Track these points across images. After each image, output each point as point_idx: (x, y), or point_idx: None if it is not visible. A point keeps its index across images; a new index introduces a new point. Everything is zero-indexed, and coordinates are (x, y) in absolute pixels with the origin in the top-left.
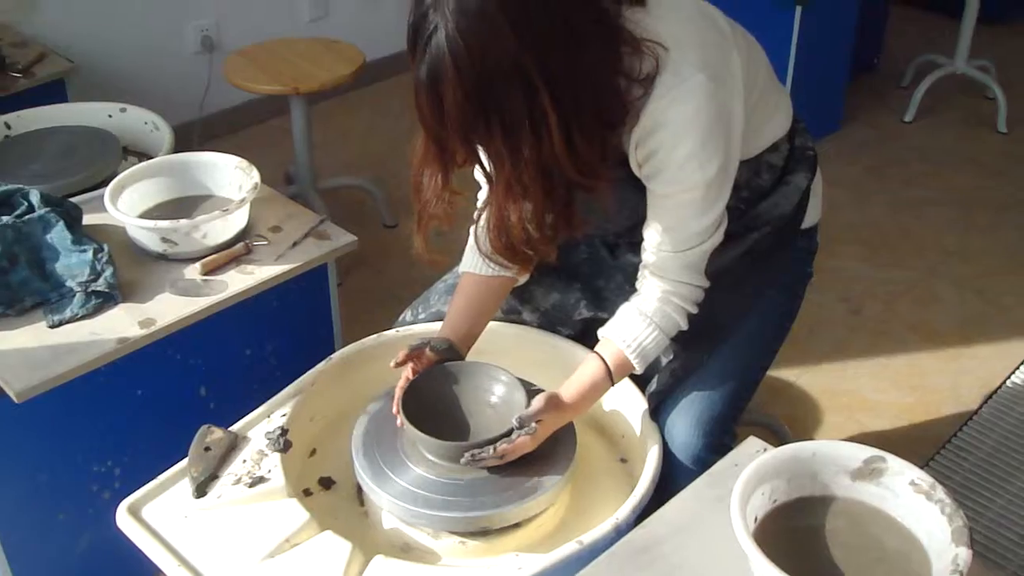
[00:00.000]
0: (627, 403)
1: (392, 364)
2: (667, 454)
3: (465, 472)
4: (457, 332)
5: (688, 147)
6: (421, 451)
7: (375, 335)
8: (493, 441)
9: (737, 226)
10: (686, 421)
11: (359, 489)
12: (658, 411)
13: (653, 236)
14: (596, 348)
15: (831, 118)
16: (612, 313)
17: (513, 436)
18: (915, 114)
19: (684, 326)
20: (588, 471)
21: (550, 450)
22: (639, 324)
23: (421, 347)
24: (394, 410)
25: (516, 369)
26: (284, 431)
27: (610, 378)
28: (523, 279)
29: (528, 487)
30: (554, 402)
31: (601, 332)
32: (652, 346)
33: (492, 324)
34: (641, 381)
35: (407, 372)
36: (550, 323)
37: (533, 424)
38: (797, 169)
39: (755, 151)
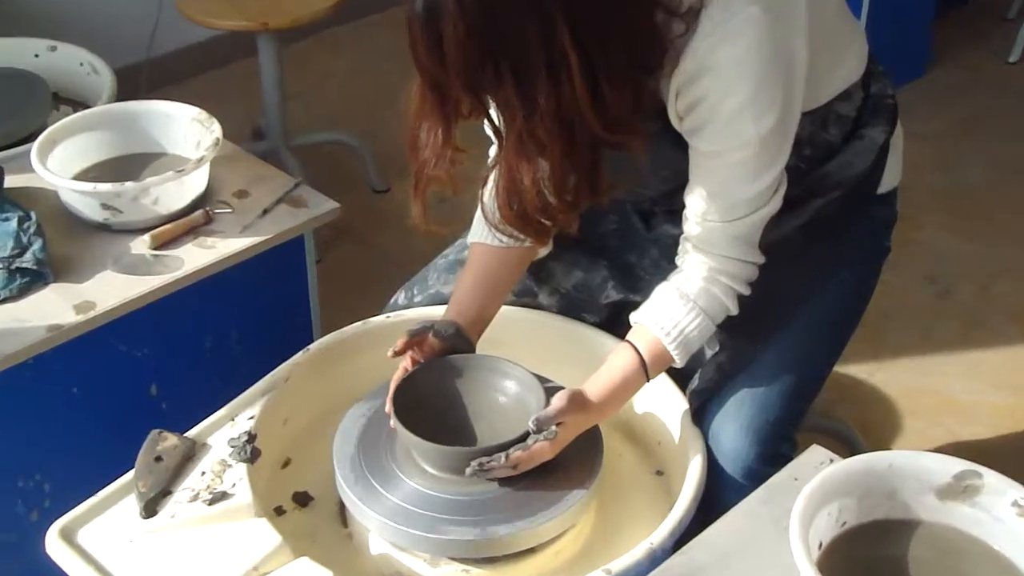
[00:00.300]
0: (665, 403)
1: (389, 353)
2: (712, 465)
3: (470, 486)
4: (465, 315)
5: (739, 96)
6: (417, 460)
7: (361, 322)
8: (505, 447)
9: (799, 190)
10: (735, 426)
11: (342, 507)
12: (702, 413)
13: (697, 203)
14: (628, 337)
15: (915, 60)
16: (646, 295)
17: (529, 442)
18: (1021, 53)
19: (733, 310)
20: (618, 485)
21: (572, 460)
22: (679, 308)
23: (423, 332)
24: (387, 409)
25: (531, 363)
26: (251, 437)
27: (644, 372)
28: (543, 251)
29: (545, 504)
30: (577, 401)
31: (633, 317)
32: (695, 334)
33: (502, 309)
34: (682, 377)
35: (405, 362)
36: (572, 307)
37: (553, 427)
38: (873, 121)
39: (822, 100)
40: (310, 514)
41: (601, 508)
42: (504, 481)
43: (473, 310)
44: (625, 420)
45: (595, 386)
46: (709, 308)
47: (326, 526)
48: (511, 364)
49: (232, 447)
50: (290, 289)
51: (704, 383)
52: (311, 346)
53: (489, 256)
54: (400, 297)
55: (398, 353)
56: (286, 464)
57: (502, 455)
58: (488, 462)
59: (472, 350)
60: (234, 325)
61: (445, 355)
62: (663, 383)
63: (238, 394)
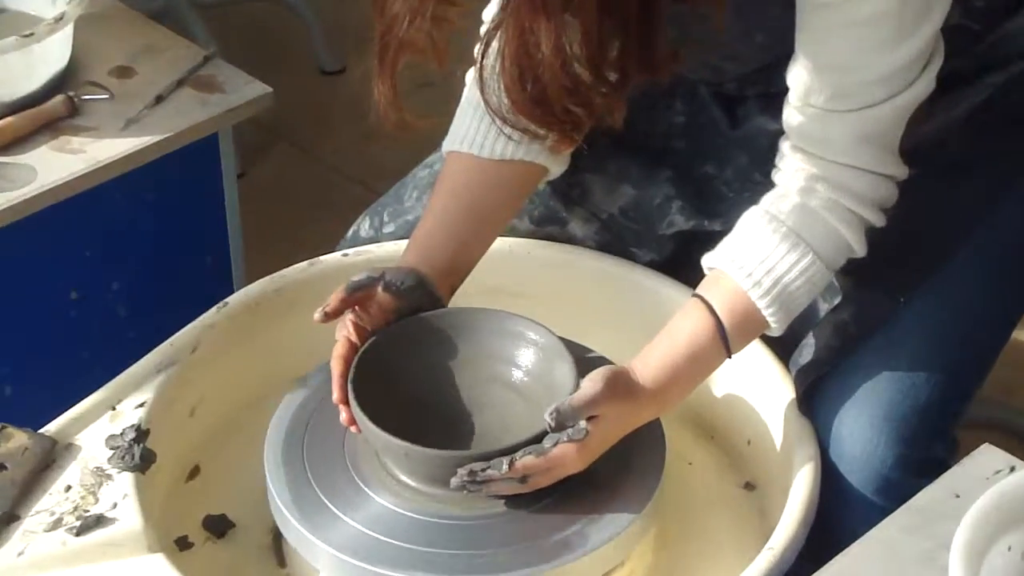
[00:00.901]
0: (757, 383)
1: (317, 315)
2: (829, 475)
3: (467, 505)
4: (432, 259)
5: None
6: (389, 467)
7: (305, 262)
8: (510, 450)
9: (965, 64)
10: (865, 417)
11: (277, 537)
12: (814, 398)
13: (805, 82)
14: (699, 289)
15: None
16: (730, 224)
17: (545, 444)
18: None
19: (859, 250)
20: (687, 505)
21: (616, 469)
22: (773, 243)
23: (368, 285)
24: (335, 397)
25: (558, 322)
26: (141, 434)
27: (723, 343)
28: (559, 168)
29: (575, 534)
30: (621, 385)
31: (708, 260)
32: (799, 284)
33: (514, 243)
34: (782, 345)
35: (346, 330)
36: (618, 241)
37: (582, 424)
38: None
39: None
40: (229, 548)
41: (663, 540)
42: (513, 501)
43: (445, 253)
44: (697, 410)
45: (649, 363)
46: (821, 244)
47: (253, 565)
48: (528, 323)
49: (113, 449)
50: (198, 216)
51: (817, 353)
52: (230, 299)
53: (475, 173)
54: (363, 226)
55: (330, 315)
56: (193, 474)
57: (504, 461)
58: (483, 471)
59: (441, 304)
60: (114, 270)
61: (402, 316)
62: (754, 352)
63: (120, 370)
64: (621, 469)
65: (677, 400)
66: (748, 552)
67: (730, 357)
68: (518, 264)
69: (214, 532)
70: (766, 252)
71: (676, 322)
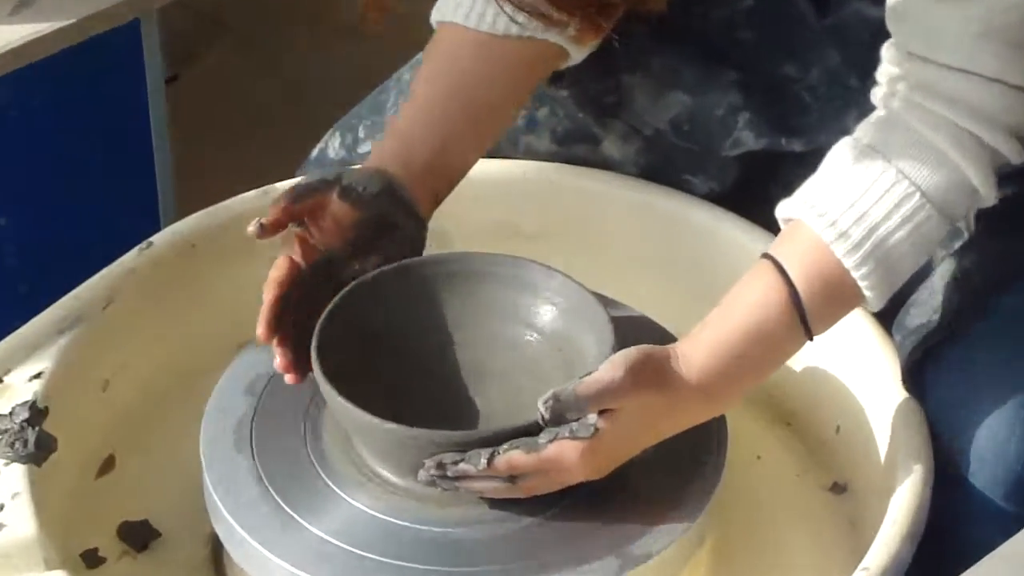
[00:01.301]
0: (848, 353)
1: (251, 229)
2: (946, 475)
3: (463, 510)
4: (411, 155)
5: None
6: (365, 459)
7: (256, 191)
8: (494, 439)
9: None
10: (994, 401)
11: (217, 550)
12: (925, 374)
13: None
14: (772, 247)
15: None
16: (815, 144)
17: (541, 439)
18: None
19: (985, 191)
20: (754, 511)
21: (661, 463)
22: (867, 182)
23: (320, 189)
24: (259, 332)
25: (586, 272)
26: (36, 414)
27: (800, 320)
28: (580, 55)
29: (606, 549)
30: (651, 372)
31: (783, 209)
32: (903, 236)
33: (528, 167)
34: (885, 309)
35: (288, 249)
36: (667, 164)
37: (592, 418)
38: None
39: None
40: (152, 564)
41: (721, 558)
42: (524, 504)
43: (426, 148)
44: (768, 388)
45: (698, 346)
46: (929, 180)
47: None
48: (549, 272)
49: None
50: (113, 129)
51: (930, 314)
52: (155, 238)
53: (471, 49)
54: (332, 144)
55: (270, 229)
56: (107, 467)
57: (482, 454)
58: (455, 463)
59: (419, 228)
60: (2, 200)
61: (365, 231)
62: (854, 319)
63: (12, 330)
64: (667, 464)
65: (733, 397)
66: (835, 572)
67: (811, 339)
68: (535, 195)
69: (133, 543)
70: (855, 193)
71: (737, 291)
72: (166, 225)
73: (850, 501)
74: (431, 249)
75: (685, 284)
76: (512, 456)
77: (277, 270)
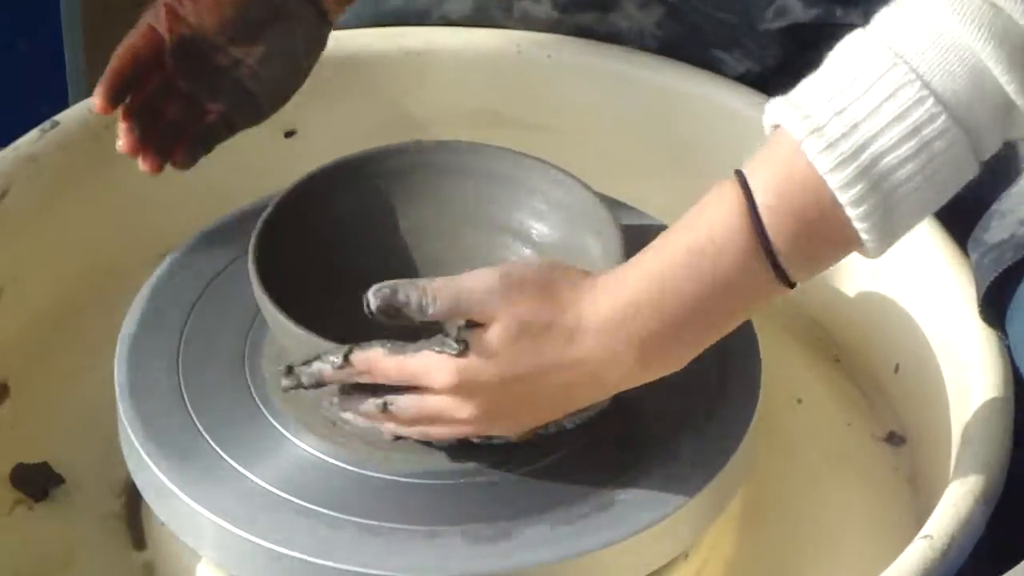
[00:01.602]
0: (909, 275)
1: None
2: None
3: (433, 458)
4: None
5: None
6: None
7: None
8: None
9: None
10: None
11: (132, 498)
12: (1006, 302)
13: None
14: (746, 164)
15: None
16: (874, 14)
17: (411, 347)
18: None
19: (1020, 98)
20: (794, 464)
21: (676, 404)
22: (858, 73)
23: None
24: (96, 103)
25: (593, 169)
26: None
27: (768, 254)
28: None
29: (594, 509)
30: (542, 283)
31: (768, 112)
32: (906, 153)
33: (523, 39)
34: (953, 214)
35: (154, 19)
36: (693, 38)
37: (459, 326)
38: None
39: None
40: (55, 515)
41: (754, 520)
42: (508, 453)
43: None
44: (814, 316)
45: (624, 271)
46: (943, 77)
47: (92, 545)
48: (548, 169)
49: None
50: None
51: (1018, 227)
52: (61, 116)
53: None
54: None
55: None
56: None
57: (341, 350)
58: (308, 363)
59: (320, 22)
60: None
61: (249, 12)
62: (923, 235)
63: None
64: (685, 406)
65: (669, 351)
66: (891, 540)
67: (793, 287)
68: (533, 76)
69: (30, 491)
70: (841, 86)
71: (688, 215)
72: (75, 101)
73: (910, 455)
74: (390, 137)
75: (711, 184)
76: (372, 354)
77: (132, 35)
